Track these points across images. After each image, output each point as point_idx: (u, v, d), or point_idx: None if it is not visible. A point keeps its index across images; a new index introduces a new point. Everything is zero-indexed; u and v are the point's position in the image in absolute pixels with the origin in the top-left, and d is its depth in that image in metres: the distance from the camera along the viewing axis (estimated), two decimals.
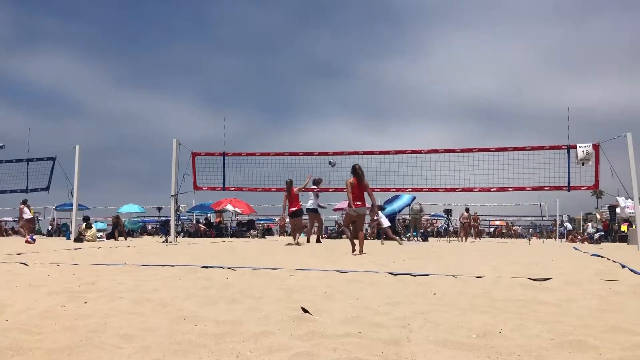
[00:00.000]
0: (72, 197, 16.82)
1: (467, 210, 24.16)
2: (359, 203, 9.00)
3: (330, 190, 15.71)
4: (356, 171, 9.08)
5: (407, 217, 26.28)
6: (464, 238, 22.73)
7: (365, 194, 9.21)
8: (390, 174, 15.34)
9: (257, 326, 2.64)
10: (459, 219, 24.64)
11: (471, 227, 24.57)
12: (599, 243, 23.13)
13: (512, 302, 3.43)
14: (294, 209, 12.28)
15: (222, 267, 5.64)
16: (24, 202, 19.63)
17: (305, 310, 2.99)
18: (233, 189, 16.63)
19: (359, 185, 8.99)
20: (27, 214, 19.95)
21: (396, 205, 22.51)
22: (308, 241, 14.45)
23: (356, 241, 8.87)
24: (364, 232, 9.86)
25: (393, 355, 2.11)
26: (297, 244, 11.98)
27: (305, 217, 15.88)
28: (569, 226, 32.58)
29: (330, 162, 14.81)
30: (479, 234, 26.87)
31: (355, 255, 8.40)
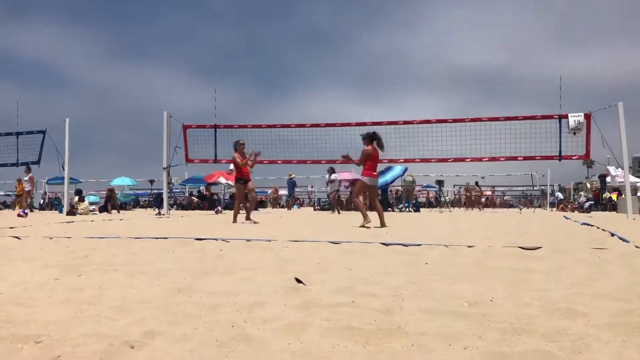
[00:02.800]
0: (64, 170, 16.74)
1: (477, 183, 27.18)
2: (375, 174, 8.50)
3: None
4: (377, 138, 8.46)
5: (400, 188, 26.43)
6: (477, 207, 24.95)
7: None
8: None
9: (252, 297, 2.66)
10: (465, 192, 27.25)
11: (472, 199, 26.84)
12: (589, 212, 23.48)
13: (503, 271, 3.48)
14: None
15: (215, 239, 5.65)
16: (29, 170, 19.05)
17: (298, 281, 3.01)
18: (225, 161, 16.62)
19: (376, 155, 8.44)
20: (27, 185, 19.83)
21: (389, 176, 22.53)
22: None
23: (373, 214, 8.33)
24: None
25: (386, 324, 2.13)
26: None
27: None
28: (560, 195, 32.94)
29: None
30: (471, 205, 27.71)
31: (369, 227, 7.84)
